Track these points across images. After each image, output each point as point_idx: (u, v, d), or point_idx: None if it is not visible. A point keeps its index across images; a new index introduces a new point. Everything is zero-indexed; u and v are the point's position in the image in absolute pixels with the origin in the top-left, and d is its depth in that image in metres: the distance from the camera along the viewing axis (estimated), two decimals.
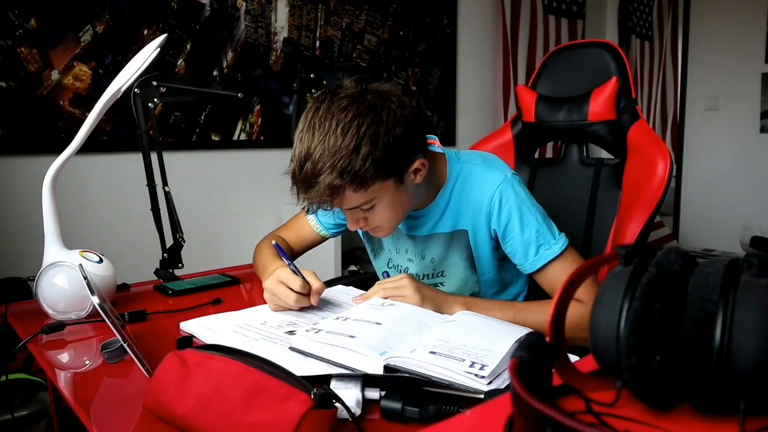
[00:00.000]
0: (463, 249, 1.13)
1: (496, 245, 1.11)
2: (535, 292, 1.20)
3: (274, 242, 1.15)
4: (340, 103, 0.91)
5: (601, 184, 1.37)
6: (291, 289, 1.00)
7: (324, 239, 1.33)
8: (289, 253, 1.25)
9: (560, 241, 1.06)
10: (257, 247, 1.29)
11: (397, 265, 1.22)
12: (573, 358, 0.60)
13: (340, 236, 1.39)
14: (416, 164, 0.99)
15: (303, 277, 1.01)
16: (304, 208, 1.21)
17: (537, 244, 1.04)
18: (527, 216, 1.05)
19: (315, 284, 1.01)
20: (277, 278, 1.01)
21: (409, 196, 1.02)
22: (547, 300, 1.06)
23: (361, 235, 1.28)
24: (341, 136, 0.89)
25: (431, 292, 1.01)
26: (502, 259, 1.15)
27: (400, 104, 0.95)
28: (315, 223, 1.29)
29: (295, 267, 1.04)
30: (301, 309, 1.03)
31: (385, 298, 0.99)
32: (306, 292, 1.00)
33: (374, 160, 0.90)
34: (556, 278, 1.05)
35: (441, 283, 1.18)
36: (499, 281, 1.18)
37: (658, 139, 1.26)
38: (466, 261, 1.14)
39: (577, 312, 0.93)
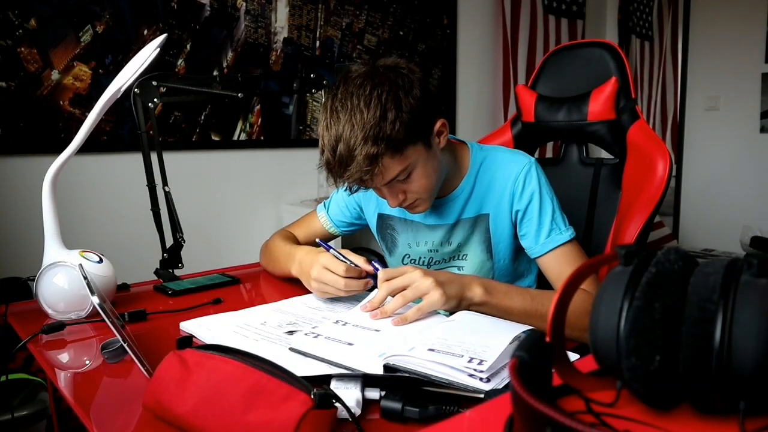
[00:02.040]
0: (482, 233, 1.14)
1: (514, 232, 1.13)
2: (541, 287, 1.20)
3: (318, 240, 1.13)
4: (355, 82, 0.96)
5: (601, 184, 1.37)
6: (337, 274, 1.00)
7: (333, 237, 1.35)
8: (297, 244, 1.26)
9: (569, 231, 1.09)
10: (267, 243, 1.30)
11: (415, 260, 1.21)
12: (573, 357, 0.60)
13: (341, 237, 1.40)
14: (438, 125, 1.03)
15: (349, 261, 1.01)
16: (325, 206, 1.29)
17: (550, 228, 1.08)
18: (547, 199, 1.09)
19: (363, 266, 1.01)
20: (323, 265, 1.02)
21: (438, 162, 1.05)
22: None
23: (375, 232, 1.29)
24: (365, 109, 0.92)
25: (447, 278, 0.95)
26: (518, 249, 1.16)
27: (410, 70, 1.00)
28: (326, 220, 1.32)
29: (337, 251, 1.03)
30: (335, 300, 1.03)
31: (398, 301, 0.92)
32: (355, 275, 1.01)
33: (402, 123, 0.94)
34: (560, 265, 1.07)
35: (461, 267, 1.18)
36: (512, 271, 1.18)
37: (657, 138, 1.27)
38: (484, 245, 1.15)
39: (586, 299, 0.95)
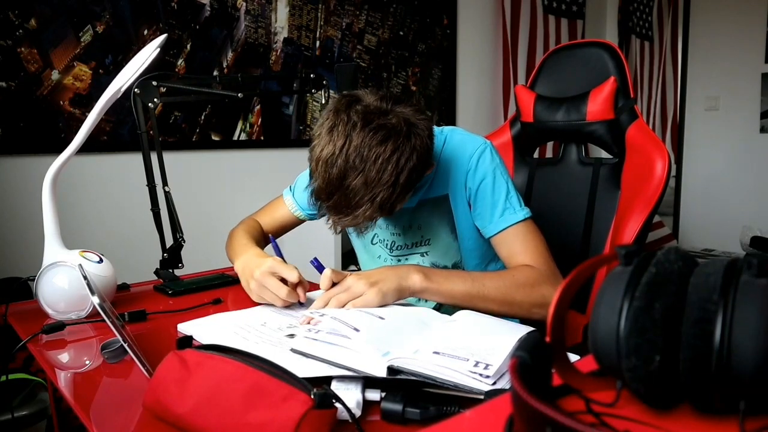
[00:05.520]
0: (445, 214, 1.14)
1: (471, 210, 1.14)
2: None
3: (271, 237, 1.14)
4: (377, 136, 0.90)
5: (600, 184, 1.37)
6: (283, 281, 0.99)
7: (299, 222, 1.34)
8: (260, 237, 1.26)
9: (524, 211, 1.09)
10: (231, 231, 1.27)
11: (383, 239, 1.21)
12: (573, 357, 0.60)
13: (341, 238, 1.40)
14: (428, 172, 1.03)
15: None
16: (291, 189, 1.30)
17: (503, 207, 1.08)
18: (500, 179, 1.10)
19: (301, 279, 1.02)
20: (270, 269, 1.00)
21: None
22: (504, 270, 1.08)
23: None
24: (382, 171, 0.89)
25: (380, 276, 0.94)
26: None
27: (425, 128, 0.96)
28: (291, 202, 1.30)
29: (283, 256, 1.04)
30: (289, 307, 1.02)
31: (342, 306, 0.92)
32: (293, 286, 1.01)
33: (406, 191, 0.93)
34: (512, 244, 1.07)
35: (426, 252, 1.18)
36: (481, 253, 1.18)
37: (656, 138, 1.27)
38: (449, 227, 1.15)
39: (530, 274, 1.00)
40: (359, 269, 2.23)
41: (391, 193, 0.91)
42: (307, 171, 1.26)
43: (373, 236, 1.23)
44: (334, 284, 0.96)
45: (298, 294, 1.01)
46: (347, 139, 0.90)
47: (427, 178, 1.10)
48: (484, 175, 1.09)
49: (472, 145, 1.11)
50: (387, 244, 1.21)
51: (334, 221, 0.96)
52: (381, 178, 0.89)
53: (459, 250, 1.17)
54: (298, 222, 1.34)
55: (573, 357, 0.62)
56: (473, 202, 1.11)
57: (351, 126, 0.90)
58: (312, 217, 1.32)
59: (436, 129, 1.15)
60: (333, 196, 0.92)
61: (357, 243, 1.30)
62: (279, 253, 1.07)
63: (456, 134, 1.15)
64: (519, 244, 1.07)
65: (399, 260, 1.20)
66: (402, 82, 3.01)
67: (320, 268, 1.01)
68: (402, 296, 0.96)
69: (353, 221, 0.93)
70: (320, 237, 1.53)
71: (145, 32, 2.16)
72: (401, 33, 2.97)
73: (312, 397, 0.58)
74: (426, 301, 1.07)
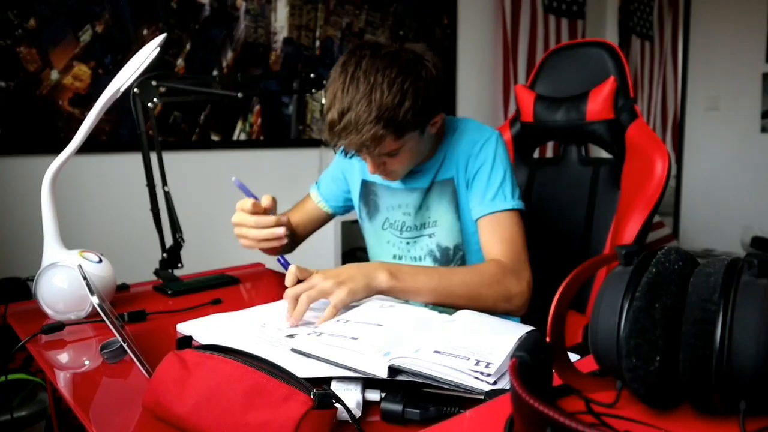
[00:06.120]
0: (450, 195, 1.18)
1: None
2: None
3: (234, 178, 1.16)
4: (383, 59, 1.01)
5: (600, 184, 1.37)
6: (245, 211, 1.07)
7: (327, 216, 1.38)
8: (292, 234, 1.29)
9: (515, 202, 1.12)
10: None
11: (394, 222, 1.24)
12: (573, 357, 0.60)
13: (340, 238, 1.40)
14: (438, 117, 1.10)
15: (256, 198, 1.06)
16: (317, 184, 1.36)
17: (495, 193, 1.12)
18: (499, 167, 1.13)
19: (265, 201, 1.07)
20: (238, 207, 1.08)
21: (425, 145, 1.13)
22: (473, 266, 1.09)
23: (356, 201, 1.32)
24: (387, 90, 0.98)
25: (348, 274, 0.95)
26: None
27: (434, 64, 1.07)
28: (316, 195, 1.36)
29: (250, 192, 1.09)
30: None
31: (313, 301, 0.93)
32: (261, 212, 1.06)
33: (413, 113, 1.01)
34: (491, 232, 1.10)
35: (432, 234, 1.21)
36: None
37: (656, 138, 1.26)
38: (452, 206, 1.18)
39: (496, 269, 1.04)
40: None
41: (397, 112, 0.98)
42: (331, 166, 1.35)
43: (384, 222, 1.26)
44: (299, 281, 0.96)
45: (269, 219, 1.07)
46: (357, 66, 1.00)
47: (436, 158, 1.17)
48: (484, 160, 1.14)
49: (480, 133, 1.17)
50: (398, 226, 1.24)
51: (345, 145, 1.02)
52: (386, 97, 0.98)
53: (461, 232, 1.19)
54: (325, 216, 1.38)
55: (573, 357, 0.62)
56: (471, 183, 1.15)
57: (361, 56, 1.01)
58: (337, 211, 1.37)
59: (450, 118, 1.22)
60: (344, 117, 0.99)
61: (368, 229, 1.31)
62: (249, 194, 1.10)
63: (469, 123, 1.21)
64: (497, 233, 1.10)
65: (408, 243, 1.23)
66: None
67: (286, 265, 1.02)
68: (369, 295, 0.97)
69: (359, 139, 0.99)
70: (321, 236, 1.53)
71: (145, 32, 2.16)
72: (401, 33, 2.97)
73: (312, 397, 0.58)
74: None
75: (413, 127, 1.04)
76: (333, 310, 0.92)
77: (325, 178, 1.36)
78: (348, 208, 1.37)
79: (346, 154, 1.10)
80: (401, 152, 1.07)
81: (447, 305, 1.00)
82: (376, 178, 1.25)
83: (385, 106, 0.98)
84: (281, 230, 1.08)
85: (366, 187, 1.29)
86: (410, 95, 1.00)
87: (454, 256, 1.20)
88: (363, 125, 0.98)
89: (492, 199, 1.11)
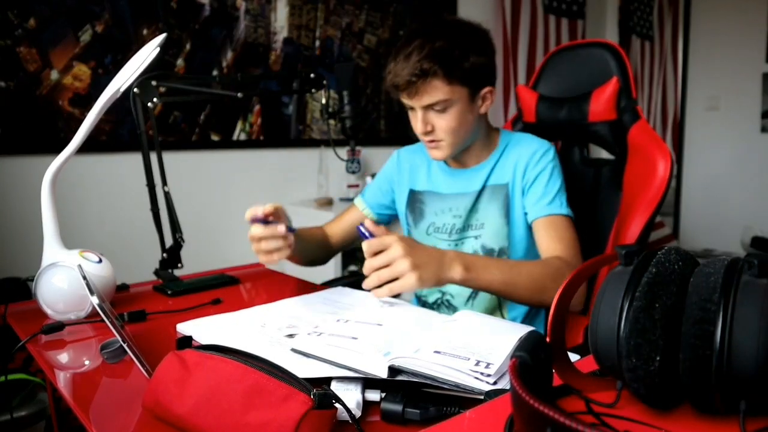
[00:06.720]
0: (502, 199, 1.21)
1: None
2: None
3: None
4: (461, 20, 1.17)
5: (602, 185, 1.37)
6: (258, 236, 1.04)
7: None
8: (322, 242, 1.33)
9: (568, 210, 1.16)
10: None
11: (441, 226, 1.26)
12: (573, 357, 0.60)
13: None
14: (487, 89, 1.16)
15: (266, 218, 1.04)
16: (362, 193, 1.41)
17: (551, 198, 1.16)
18: (557, 176, 1.19)
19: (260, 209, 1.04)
20: (250, 220, 1.05)
21: (473, 119, 1.16)
22: (539, 260, 1.12)
23: (402, 210, 1.34)
24: (451, 33, 1.10)
25: (427, 258, 0.94)
26: None
27: (485, 35, 1.17)
28: (360, 203, 1.39)
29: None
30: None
31: (381, 287, 0.93)
32: (261, 219, 1.03)
33: (465, 59, 1.09)
34: (550, 232, 1.13)
35: (478, 236, 1.22)
36: (526, 244, 1.21)
37: (658, 139, 1.26)
38: (503, 210, 1.20)
39: (560, 265, 1.06)
40: (358, 270, 2.22)
41: (450, 53, 1.07)
42: (378, 177, 1.40)
43: (429, 226, 1.28)
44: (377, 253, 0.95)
45: (266, 230, 1.03)
46: (418, 26, 1.14)
47: (489, 162, 1.23)
48: (543, 168, 1.18)
49: (539, 143, 1.22)
50: (446, 229, 1.26)
51: (398, 80, 1.09)
52: (439, 42, 1.08)
53: (508, 237, 1.21)
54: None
55: (573, 357, 0.62)
56: (528, 189, 1.19)
57: (422, 22, 1.16)
58: (381, 218, 1.39)
59: (504, 131, 1.29)
60: (407, 47, 1.09)
61: (414, 235, 1.32)
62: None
63: (525, 135, 1.27)
64: (556, 233, 1.13)
65: (456, 244, 1.24)
66: None
67: (364, 236, 0.99)
68: (439, 285, 0.96)
69: (409, 70, 1.07)
70: None
71: (145, 32, 2.16)
72: (401, 33, 2.97)
73: (312, 397, 0.58)
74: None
75: (462, 79, 1.10)
76: (389, 292, 0.93)
77: (371, 188, 1.41)
78: (392, 216, 1.40)
79: (394, 89, 1.13)
80: (448, 111, 1.11)
81: (513, 298, 1.04)
82: (425, 186, 1.29)
83: (438, 46, 1.07)
84: (282, 228, 1.04)
85: (413, 195, 1.32)
86: (461, 46, 1.09)
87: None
88: (416, 57, 1.07)
89: (549, 203, 1.15)
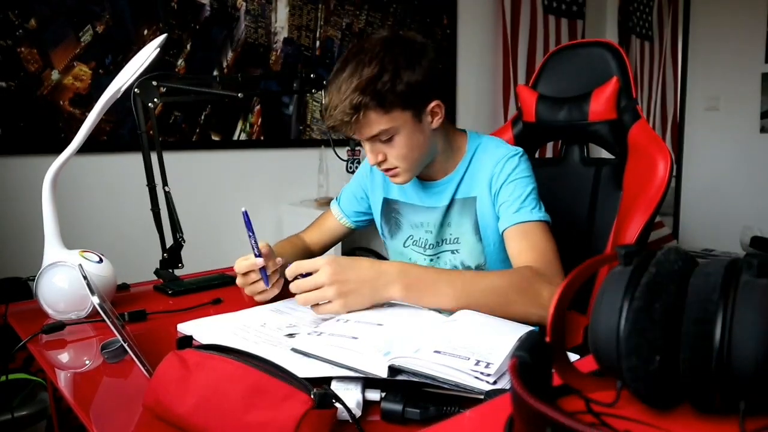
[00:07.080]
0: (472, 215, 1.16)
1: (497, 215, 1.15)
2: None
3: (243, 209, 1.09)
4: (371, 42, 1.05)
5: (602, 184, 1.37)
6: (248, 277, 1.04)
7: (349, 231, 1.37)
8: (305, 252, 1.30)
9: (541, 214, 1.09)
10: None
11: (418, 240, 1.23)
12: (573, 357, 0.60)
13: (353, 233, 1.40)
14: (433, 105, 1.07)
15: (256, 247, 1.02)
16: (337, 200, 1.37)
17: (521, 204, 1.10)
18: (524, 180, 1.12)
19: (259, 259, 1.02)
20: (238, 272, 1.05)
21: (426, 139, 1.09)
22: (502, 271, 1.06)
23: (379, 218, 1.31)
24: (368, 65, 1.01)
25: (355, 285, 0.91)
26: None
27: (423, 46, 1.07)
28: (337, 211, 1.36)
29: (254, 240, 1.03)
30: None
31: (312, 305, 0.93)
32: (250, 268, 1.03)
33: (395, 85, 1.01)
34: (520, 241, 1.07)
35: (456, 251, 1.19)
36: (503, 257, 1.16)
37: (658, 139, 1.26)
38: (474, 228, 1.16)
39: (527, 274, 0.99)
40: None
41: (376, 81, 0.99)
42: (352, 183, 1.35)
43: (407, 239, 1.25)
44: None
45: (246, 263, 1.03)
46: (349, 52, 1.06)
47: (456, 173, 1.17)
48: (508, 175, 1.12)
49: (504, 150, 1.16)
50: (421, 243, 1.23)
51: (333, 122, 1.03)
52: (367, 69, 1.00)
53: (483, 253, 1.17)
54: (346, 231, 1.37)
55: (573, 357, 0.62)
56: (495, 199, 1.14)
57: (356, 44, 1.08)
58: (359, 226, 1.36)
59: (472, 134, 1.22)
60: (329, 96, 1.03)
61: (390, 246, 1.31)
62: (249, 227, 1.03)
63: (492, 141, 1.20)
64: (525, 241, 1.07)
65: (431, 260, 1.21)
66: None
67: (249, 224, 1.01)
68: (378, 303, 0.95)
69: (341, 111, 1.00)
70: None
71: (145, 32, 2.16)
72: (401, 33, 2.97)
73: (312, 397, 0.58)
74: None
75: (400, 105, 1.02)
76: (317, 311, 0.93)
77: (346, 195, 1.36)
78: (369, 221, 1.37)
79: (333, 130, 1.08)
80: (395, 139, 1.05)
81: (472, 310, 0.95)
82: (398, 196, 1.26)
83: (366, 75, 0.99)
84: (259, 260, 1.03)
85: (388, 204, 1.28)
86: (390, 69, 1.00)
87: None
88: (343, 96, 1.00)
89: (516, 211, 1.09)
